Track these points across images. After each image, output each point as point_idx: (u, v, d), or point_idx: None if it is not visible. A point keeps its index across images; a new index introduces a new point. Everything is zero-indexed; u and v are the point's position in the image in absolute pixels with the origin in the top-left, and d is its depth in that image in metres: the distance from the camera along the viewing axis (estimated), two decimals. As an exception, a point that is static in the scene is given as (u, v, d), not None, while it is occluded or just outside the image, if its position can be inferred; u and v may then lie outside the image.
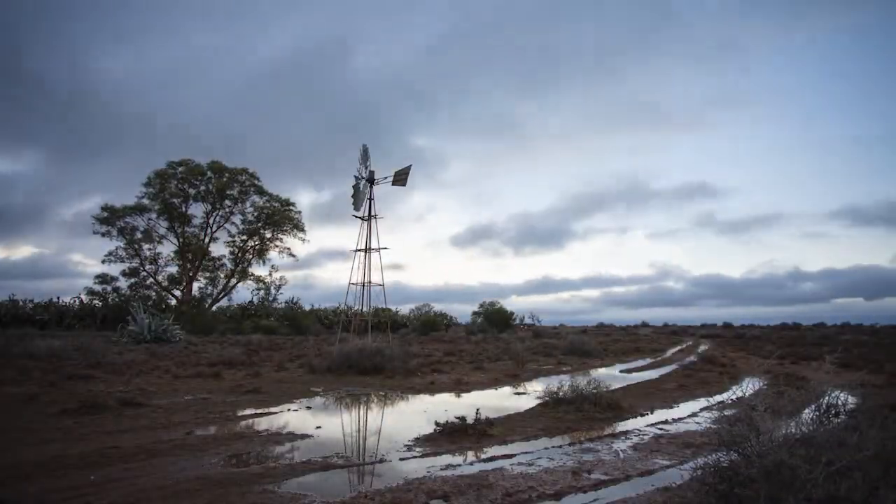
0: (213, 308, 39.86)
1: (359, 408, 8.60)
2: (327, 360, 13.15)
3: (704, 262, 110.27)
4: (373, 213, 19.05)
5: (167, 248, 39.49)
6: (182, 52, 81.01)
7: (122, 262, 37.90)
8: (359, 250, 18.95)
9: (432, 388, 10.60)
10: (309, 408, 8.32)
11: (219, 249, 40.91)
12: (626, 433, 6.60)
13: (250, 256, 41.12)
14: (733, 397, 8.33)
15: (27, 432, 6.16)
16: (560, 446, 5.90)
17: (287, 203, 41.20)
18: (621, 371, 14.78)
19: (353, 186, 18.96)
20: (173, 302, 38.34)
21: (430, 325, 37.41)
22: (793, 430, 3.54)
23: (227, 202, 40.22)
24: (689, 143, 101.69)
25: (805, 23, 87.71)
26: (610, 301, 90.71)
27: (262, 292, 41.15)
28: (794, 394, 4.20)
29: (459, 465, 5.06)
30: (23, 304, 36.25)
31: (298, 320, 37.33)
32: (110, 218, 37.13)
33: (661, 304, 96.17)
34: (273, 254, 41.18)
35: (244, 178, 40.00)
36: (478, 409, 6.57)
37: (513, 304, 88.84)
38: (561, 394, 8.17)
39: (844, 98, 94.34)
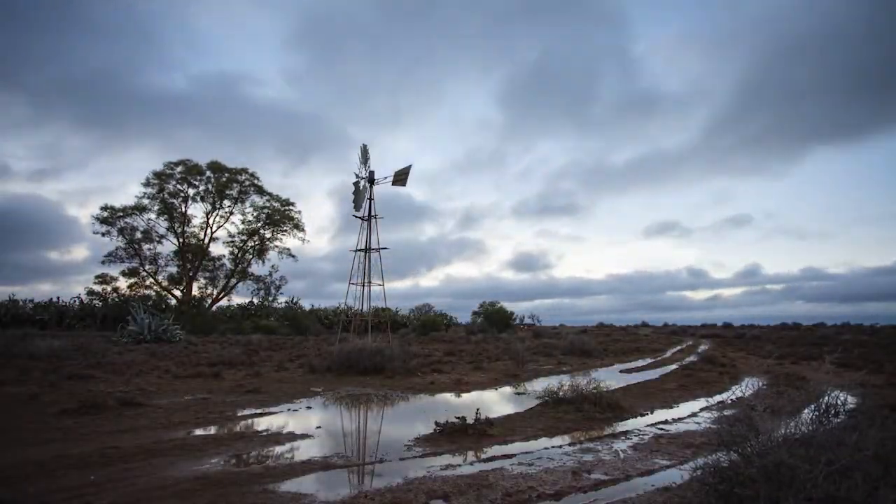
0: (213, 308, 39.87)
1: (359, 408, 8.60)
2: (327, 360, 13.16)
3: None
4: (373, 213, 19.06)
5: (167, 248, 39.57)
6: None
7: (122, 262, 37.97)
8: (359, 250, 18.96)
9: (432, 388, 10.60)
10: (309, 408, 8.32)
11: (219, 249, 40.97)
12: (626, 433, 6.60)
13: (250, 256, 41.14)
14: (733, 397, 8.37)
15: (27, 432, 6.17)
16: (560, 446, 5.90)
17: (287, 203, 41.24)
18: (621, 371, 14.78)
19: (354, 184, 18.97)
20: (173, 302, 38.36)
21: (430, 324, 37.43)
22: (792, 430, 3.54)
23: (227, 202, 40.26)
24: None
25: None
26: None
27: (262, 292, 41.20)
28: (793, 394, 4.20)
29: (459, 465, 5.06)
30: (23, 304, 36.31)
31: (298, 320, 37.35)
32: (110, 218, 37.14)
33: None
34: (273, 253, 41.24)
35: (244, 177, 40.02)
36: (478, 409, 6.58)
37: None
38: (561, 394, 8.17)
39: None
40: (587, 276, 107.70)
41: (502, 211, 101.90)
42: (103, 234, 37.19)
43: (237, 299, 42.06)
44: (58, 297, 37.95)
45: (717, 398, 9.44)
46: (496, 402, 9.19)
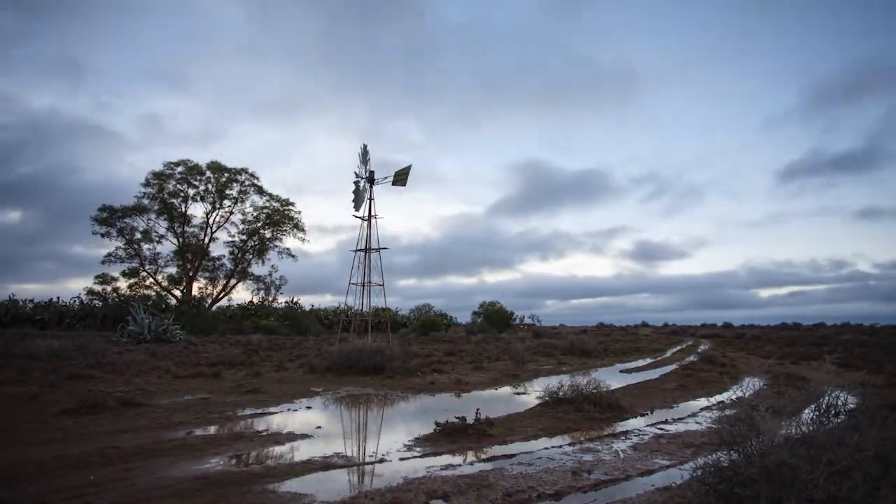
0: (213, 308, 39.83)
1: (359, 408, 8.59)
2: (327, 360, 13.15)
3: None
4: (373, 214, 19.06)
5: (167, 248, 39.51)
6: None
7: (122, 262, 37.90)
8: (359, 250, 18.95)
9: (432, 388, 10.60)
10: (309, 408, 8.32)
11: (219, 249, 40.93)
12: (626, 433, 6.60)
13: (250, 256, 41.09)
14: (733, 397, 8.36)
15: (27, 432, 6.16)
16: (560, 446, 5.90)
17: (287, 203, 41.21)
18: (621, 371, 14.78)
19: (354, 182, 18.98)
20: (173, 302, 38.31)
21: (430, 325, 37.41)
22: (793, 430, 3.54)
23: (227, 202, 40.22)
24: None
25: None
26: None
27: (262, 292, 41.16)
28: (794, 394, 4.20)
29: (459, 465, 5.06)
30: (23, 304, 36.26)
31: (298, 320, 37.33)
32: (109, 218, 37.06)
33: None
34: (273, 253, 41.19)
35: (244, 177, 40.00)
36: (478, 409, 6.57)
37: None
38: (561, 394, 8.17)
39: None
40: (687, 272, 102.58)
41: (729, 185, 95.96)
42: (102, 235, 37.16)
43: (237, 298, 42.10)
44: (58, 297, 37.96)
45: (718, 398, 9.44)
46: (496, 401, 9.18)
